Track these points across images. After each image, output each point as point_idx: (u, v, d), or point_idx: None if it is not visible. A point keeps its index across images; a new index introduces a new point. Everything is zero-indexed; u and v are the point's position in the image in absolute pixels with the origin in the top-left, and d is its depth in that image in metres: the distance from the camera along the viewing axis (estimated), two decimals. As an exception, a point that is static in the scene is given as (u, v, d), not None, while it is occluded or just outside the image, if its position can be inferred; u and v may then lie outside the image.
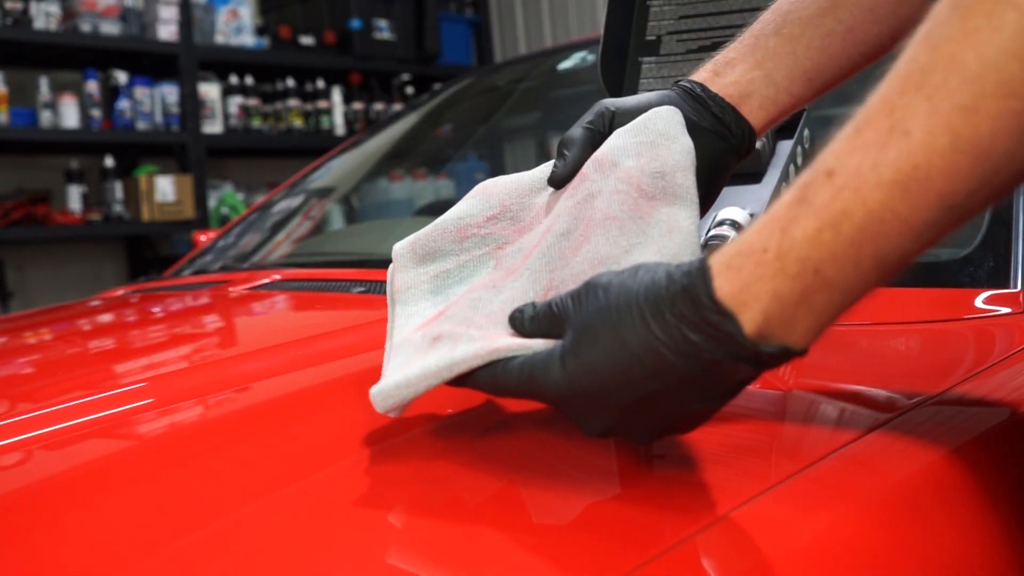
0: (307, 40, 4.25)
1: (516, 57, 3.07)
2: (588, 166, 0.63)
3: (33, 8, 3.50)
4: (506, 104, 2.00)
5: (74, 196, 3.68)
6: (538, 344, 0.51)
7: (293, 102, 4.20)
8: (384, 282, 1.08)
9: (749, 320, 0.44)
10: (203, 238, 1.85)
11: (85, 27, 3.59)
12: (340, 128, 4.33)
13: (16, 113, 3.49)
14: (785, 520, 0.47)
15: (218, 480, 0.57)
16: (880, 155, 0.41)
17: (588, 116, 0.66)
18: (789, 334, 0.44)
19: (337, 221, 1.99)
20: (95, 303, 1.42)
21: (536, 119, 2.17)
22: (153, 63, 3.83)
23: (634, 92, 0.97)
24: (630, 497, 0.50)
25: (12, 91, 3.52)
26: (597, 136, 0.65)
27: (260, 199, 2.71)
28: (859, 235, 0.42)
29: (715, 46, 0.91)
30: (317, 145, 4.01)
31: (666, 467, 0.54)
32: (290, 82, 4.20)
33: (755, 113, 0.66)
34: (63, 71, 3.80)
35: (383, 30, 4.40)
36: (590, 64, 1.68)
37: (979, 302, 0.77)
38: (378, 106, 4.50)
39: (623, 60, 0.97)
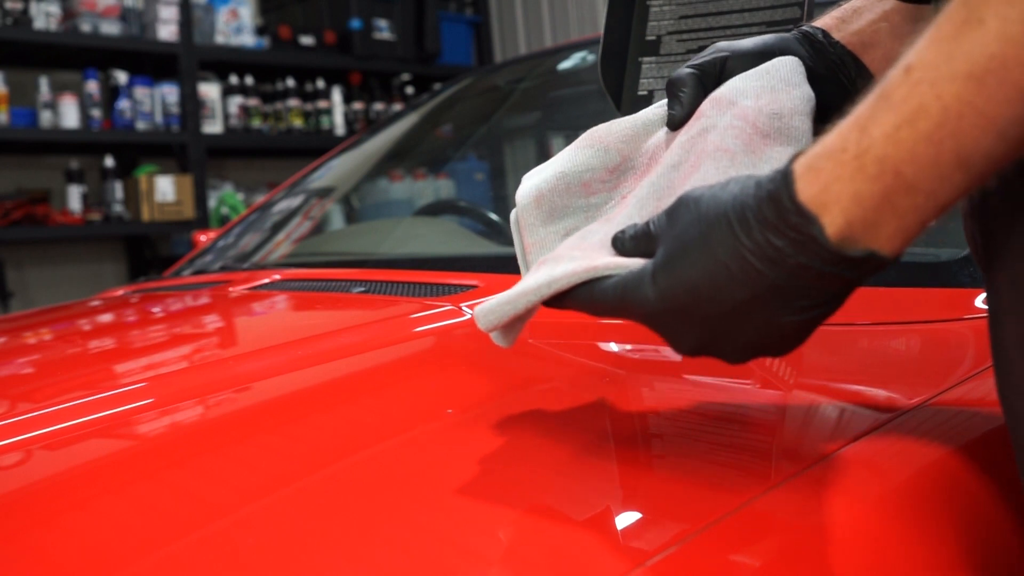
0: (307, 40, 4.24)
1: (516, 57, 3.07)
2: (705, 104, 0.62)
3: (33, 8, 3.50)
4: (506, 104, 2.00)
5: (74, 196, 3.67)
6: (635, 263, 0.51)
7: (293, 102, 4.20)
8: (385, 282, 1.08)
9: (830, 222, 0.43)
10: (203, 238, 1.85)
11: (85, 27, 3.59)
12: (340, 128, 4.33)
13: (16, 113, 3.49)
14: (785, 520, 0.47)
15: (218, 480, 0.57)
16: (955, 46, 0.39)
17: (699, 57, 0.65)
18: (874, 238, 0.43)
19: (337, 221, 1.99)
20: (95, 303, 1.42)
21: (536, 119, 2.17)
22: (153, 63, 3.83)
23: (634, 92, 0.97)
24: (630, 497, 0.50)
25: (12, 91, 3.51)
26: (708, 78, 0.64)
27: (260, 199, 2.71)
28: (937, 132, 0.40)
29: (715, 46, 0.91)
30: (317, 145, 4.01)
31: (666, 467, 0.54)
32: (290, 82, 4.20)
33: (878, 64, 0.64)
34: (63, 71, 3.80)
35: (383, 30, 4.40)
36: (590, 64, 1.68)
37: (979, 302, 0.77)
38: (378, 106, 4.50)
39: (623, 60, 0.97)
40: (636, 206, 0.59)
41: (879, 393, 0.64)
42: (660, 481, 0.52)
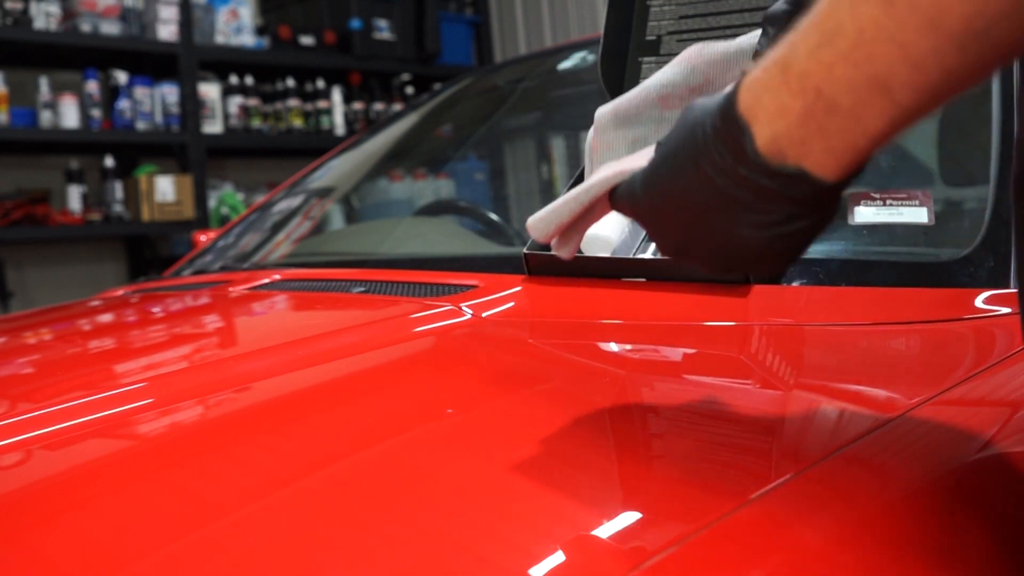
0: (307, 40, 4.24)
1: (516, 57, 3.07)
2: None
3: (33, 8, 3.50)
4: (506, 104, 2.00)
5: (74, 196, 3.67)
6: None
7: (293, 102, 4.20)
8: (385, 282, 1.08)
9: (759, 132, 0.43)
10: (203, 238, 1.85)
11: (85, 27, 3.59)
12: (340, 128, 4.33)
13: (16, 113, 3.49)
14: (785, 521, 0.47)
15: (218, 480, 0.57)
16: None
17: None
18: (804, 156, 0.43)
19: (337, 221, 1.99)
20: (95, 303, 1.42)
21: (536, 119, 2.17)
22: (153, 63, 3.83)
23: (634, 92, 0.97)
24: (630, 497, 0.50)
25: (12, 91, 3.51)
26: (801, 11, 0.64)
27: (260, 199, 2.71)
28: (853, 53, 0.39)
29: (715, 46, 0.91)
30: (317, 145, 4.01)
31: (666, 467, 0.54)
32: (290, 82, 4.20)
33: None
34: (63, 71, 3.80)
35: (383, 30, 4.40)
36: (590, 64, 1.68)
37: (979, 302, 0.77)
38: (378, 106, 4.50)
39: (623, 60, 0.97)
40: None
41: (879, 393, 0.64)
42: (660, 481, 0.52)
